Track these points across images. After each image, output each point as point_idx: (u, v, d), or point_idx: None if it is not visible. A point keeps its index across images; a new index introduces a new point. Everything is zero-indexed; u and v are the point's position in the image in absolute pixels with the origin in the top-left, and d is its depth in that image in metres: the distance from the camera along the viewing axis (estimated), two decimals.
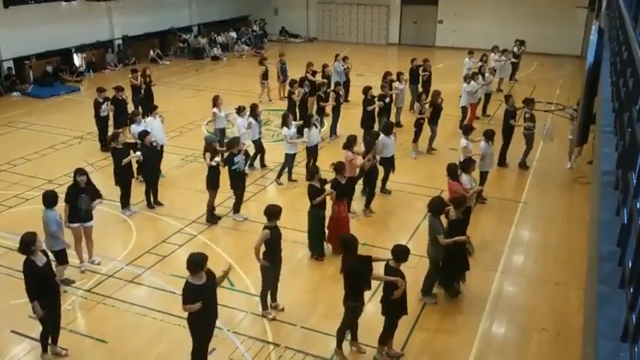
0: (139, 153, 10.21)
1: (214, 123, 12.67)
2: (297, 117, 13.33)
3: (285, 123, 11.51)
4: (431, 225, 7.66)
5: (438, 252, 7.71)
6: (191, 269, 5.89)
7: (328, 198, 8.92)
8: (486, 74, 15.71)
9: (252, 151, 12.18)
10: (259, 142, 12.35)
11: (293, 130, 11.61)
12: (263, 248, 7.27)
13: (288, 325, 7.55)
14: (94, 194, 8.59)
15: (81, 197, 8.36)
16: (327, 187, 8.89)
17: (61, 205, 8.12)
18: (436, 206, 7.66)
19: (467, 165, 9.22)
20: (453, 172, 8.92)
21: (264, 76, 17.67)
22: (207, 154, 9.94)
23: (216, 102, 12.54)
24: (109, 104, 13.40)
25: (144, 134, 10.45)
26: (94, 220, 8.70)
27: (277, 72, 18.03)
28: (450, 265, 7.83)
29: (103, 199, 8.93)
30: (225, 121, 12.93)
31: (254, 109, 12.07)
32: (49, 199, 7.72)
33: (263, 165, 12.60)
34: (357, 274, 6.48)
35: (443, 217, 7.77)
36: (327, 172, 9.34)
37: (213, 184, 10.06)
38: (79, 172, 8.46)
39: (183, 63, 24.73)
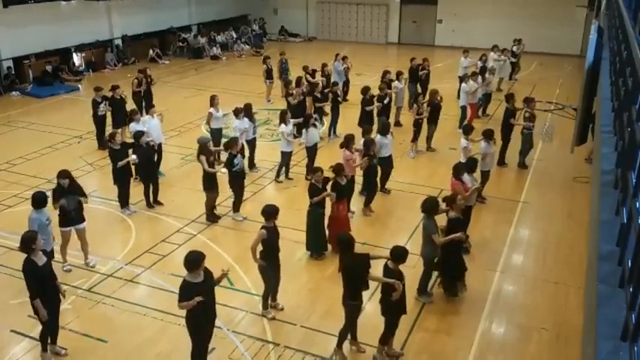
0: (134, 156, 10.18)
1: (211, 123, 12.59)
2: (296, 116, 13.31)
3: (282, 120, 11.52)
4: (425, 225, 7.66)
5: (432, 251, 7.72)
6: (188, 267, 5.89)
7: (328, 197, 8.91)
8: (486, 74, 15.70)
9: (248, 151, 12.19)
10: (253, 142, 12.33)
11: (290, 127, 11.60)
12: (260, 248, 7.28)
13: (288, 325, 7.55)
14: (80, 194, 8.50)
15: (67, 199, 8.28)
16: (328, 187, 8.88)
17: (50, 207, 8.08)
18: (430, 206, 7.66)
19: (471, 165, 9.23)
20: (458, 171, 8.90)
21: (268, 74, 17.68)
22: (203, 157, 9.90)
23: (213, 102, 12.46)
24: (107, 104, 13.41)
25: (139, 134, 10.44)
26: (86, 222, 8.67)
27: (279, 71, 18.04)
28: (449, 265, 7.82)
29: (101, 197, 8.86)
30: (223, 121, 12.87)
31: (248, 108, 12.05)
32: (35, 200, 7.73)
33: (252, 165, 12.51)
34: (354, 273, 6.48)
35: (443, 216, 7.77)
36: (326, 173, 9.32)
37: (210, 185, 10.04)
38: (62, 175, 8.38)
39: (182, 62, 24.72)
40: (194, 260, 5.90)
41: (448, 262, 7.80)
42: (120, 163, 10.04)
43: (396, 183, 11.62)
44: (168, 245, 9.53)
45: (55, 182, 8.64)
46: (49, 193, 8.27)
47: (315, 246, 9.07)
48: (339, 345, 6.85)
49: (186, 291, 5.85)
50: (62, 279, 8.26)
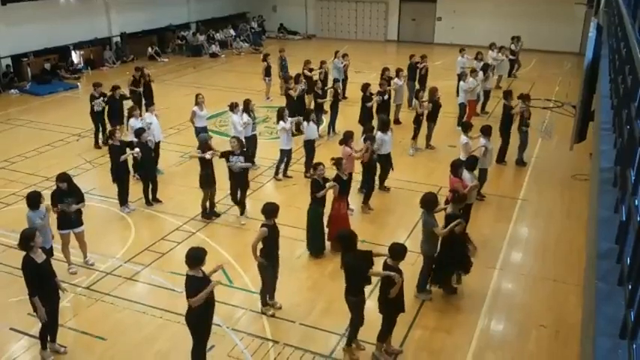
0: (137, 149, 10.18)
1: (194, 121, 12.44)
2: (295, 113, 13.28)
3: (280, 117, 11.49)
4: (425, 221, 7.67)
5: (432, 248, 7.73)
6: (190, 264, 5.90)
7: (329, 195, 8.89)
8: (488, 71, 15.72)
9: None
10: (253, 139, 12.31)
11: (289, 124, 11.59)
12: (260, 245, 7.28)
13: (287, 322, 7.55)
14: (79, 198, 8.45)
15: (65, 201, 8.23)
16: (330, 184, 8.86)
17: (46, 204, 8.05)
18: (429, 202, 7.66)
19: (471, 163, 9.22)
20: (456, 167, 8.90)
21: (267, 72, 17.66)
22: (199, 150, 9.90)
23: (197, 100, 12.39)
24: (103, 100, 13.34)
25: (140, 132, 10.42)
26: (84, 225, 8.62)
27: (278, 68, 18.03)
28: (446, 261, 7.81)
29: (100, 195, 8.85)
30: (206, 119, 12.78)
31: (247, 104, 12.03)
32: (29, 199, 7.70)
33: (252, 163, 12.46)
34: (356, 270, 6.49)
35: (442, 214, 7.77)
36: (328, 169, 9.30)
37: (207, 182, 10.01)
38: (60, 178, 8.31)
39: (181, 60, 24.70)
40: (196, 257, 5.91)
41: (448, 256, 7.77)
42: (123, 157, 10.03)
43: (396, 180, 11.61)
44: (167, 243, 9.53)
45: (54, 181, 8.60)
46: (46, 195, 8.21)
47: (315, 244, 9.07)
48: (349, 343, 6.85)
49: (193, 285, 5.84)
50: (62, 277, 8.27)
